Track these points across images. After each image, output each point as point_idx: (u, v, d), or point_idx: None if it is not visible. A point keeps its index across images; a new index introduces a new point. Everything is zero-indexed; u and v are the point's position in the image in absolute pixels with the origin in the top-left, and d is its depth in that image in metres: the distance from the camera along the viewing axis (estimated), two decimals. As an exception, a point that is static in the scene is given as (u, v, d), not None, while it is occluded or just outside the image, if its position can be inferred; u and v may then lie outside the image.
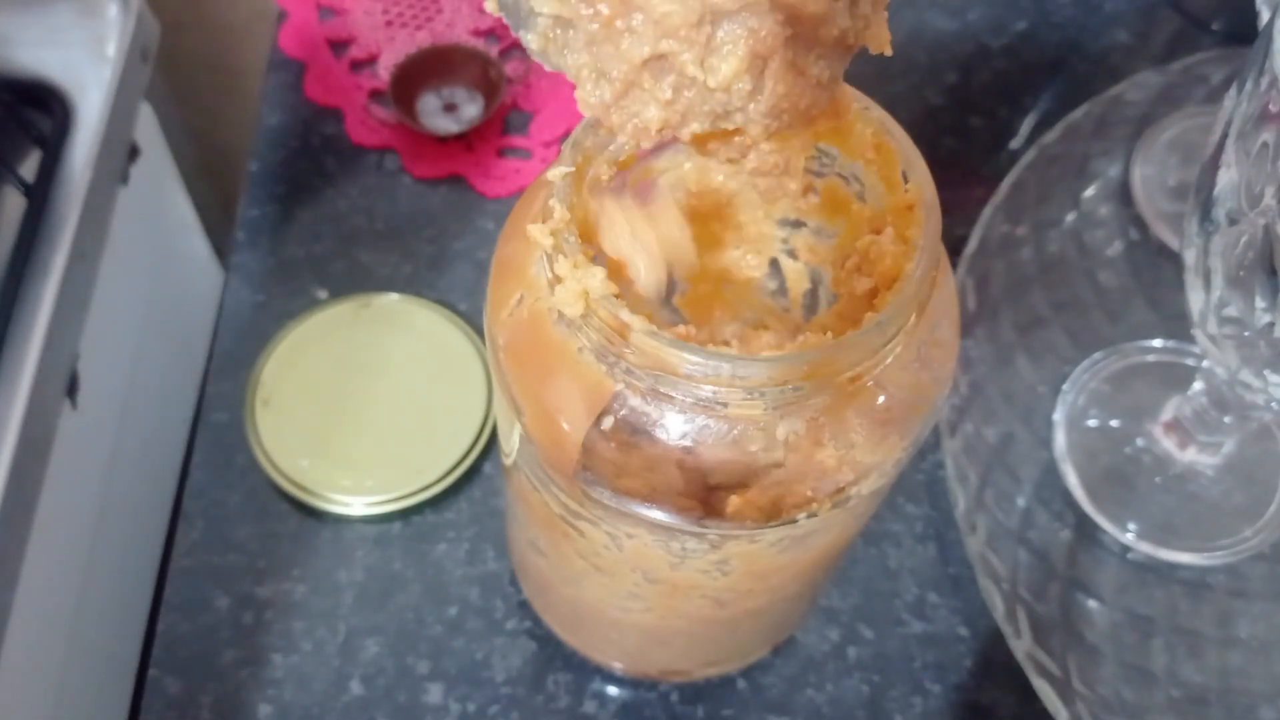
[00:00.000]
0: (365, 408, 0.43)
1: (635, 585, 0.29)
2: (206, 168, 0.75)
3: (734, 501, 0.24)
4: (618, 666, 0.39)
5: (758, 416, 0.23)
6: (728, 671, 0.39)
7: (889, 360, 0.23)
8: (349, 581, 0.41)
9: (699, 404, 0.22)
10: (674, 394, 0.22)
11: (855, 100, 0.24)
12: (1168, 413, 0.43)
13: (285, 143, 0.51)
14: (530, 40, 0.22)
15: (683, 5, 0.20)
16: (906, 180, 0.24)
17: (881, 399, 0.24)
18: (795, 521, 0.24)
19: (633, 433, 0.24)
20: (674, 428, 0.23)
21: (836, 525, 0.27)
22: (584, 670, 0.39)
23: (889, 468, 0.25)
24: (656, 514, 0.25)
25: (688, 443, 0.23)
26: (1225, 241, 0.29)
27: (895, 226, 0.24)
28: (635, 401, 0.23)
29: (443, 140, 0.50)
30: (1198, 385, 0.40)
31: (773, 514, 0.24)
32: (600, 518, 0.26)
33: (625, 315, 0.22)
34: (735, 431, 0.23)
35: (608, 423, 0.24)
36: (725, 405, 0.22)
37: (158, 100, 0.55)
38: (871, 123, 0.24)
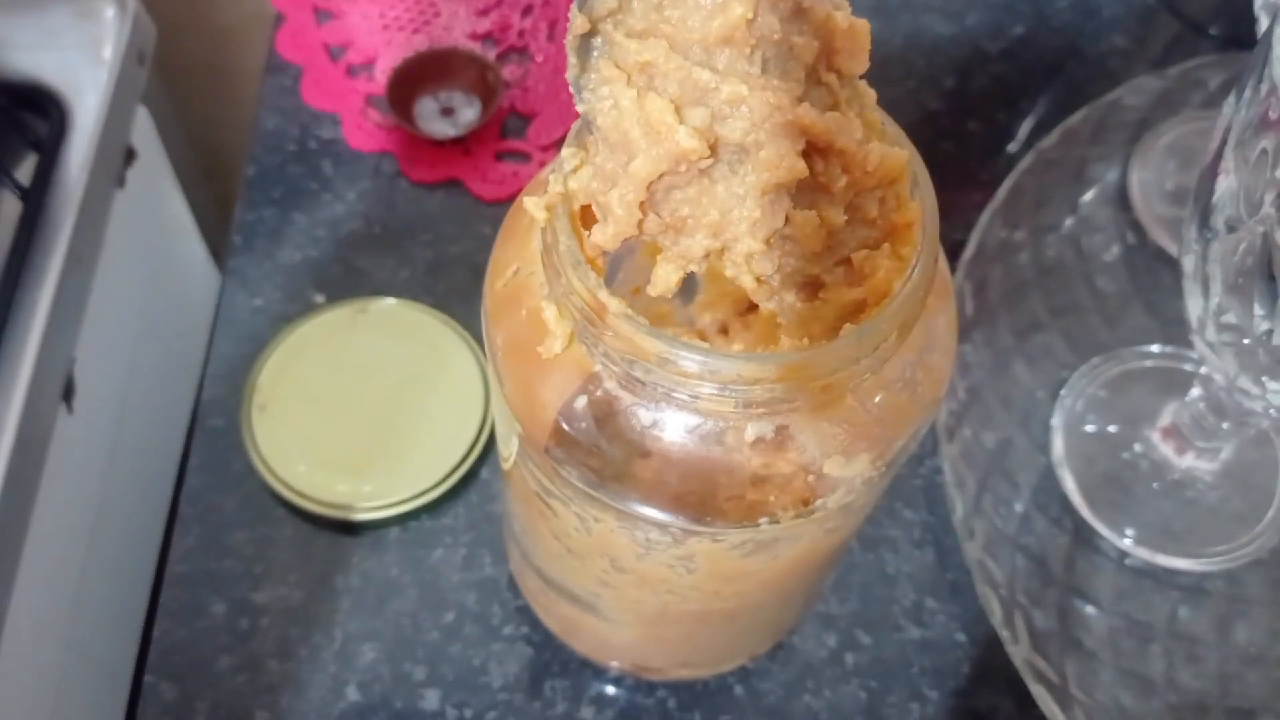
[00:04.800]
0: (362, 413, 0.43)
1: (604, 572, 0.30)
2: (203, 171, 0.75)
3: (694, 497, 0.24)
4: (615, 665, 0.39)
5: (727, 414, 0.23)
6: (702, 675, 0.39)
7: (868, 377, 0.23)
8: (345, 587, 0.41)
9: (670, 394, 0.22)
10: (646, 381, 0.22)
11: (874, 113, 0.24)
12: (1165, 418, 0.43)
13: (282, 146, 0.51)
14: None
15: None
16: (912, 197, 0.24)
17: (858, 415, 0.24)
18: (756, 525, 0.25)
19: (604, 415, 0.24)
20: (644, 415, 0.24)
21: (805, 536, 0.27)
22: (581, 676, 0.39)
23: (857, 485, 0.25)
24: (618, 501, 0.25)
25: (656, 432, 0.24)
26: (1224, 248, 0.29)
27: (893, 243, 0.23)
28: (610, 385, 0.24)
29: (440, 144, 0.50)
30: (1196, 391, 0.40)
31: (733, 514, 0.24)
32: (570, 498, 0.27)
33: (603, 295, 0.22)
34: (704, 427, 0.23)
35: (581, 402, 0.24)
36: (696, 399, 0.22)
37: (154, 103, 0.55)
38: (884, 137, 0.24)
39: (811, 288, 0.23)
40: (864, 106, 0.23)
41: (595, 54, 0.22)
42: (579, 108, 0.22)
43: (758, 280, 0.22)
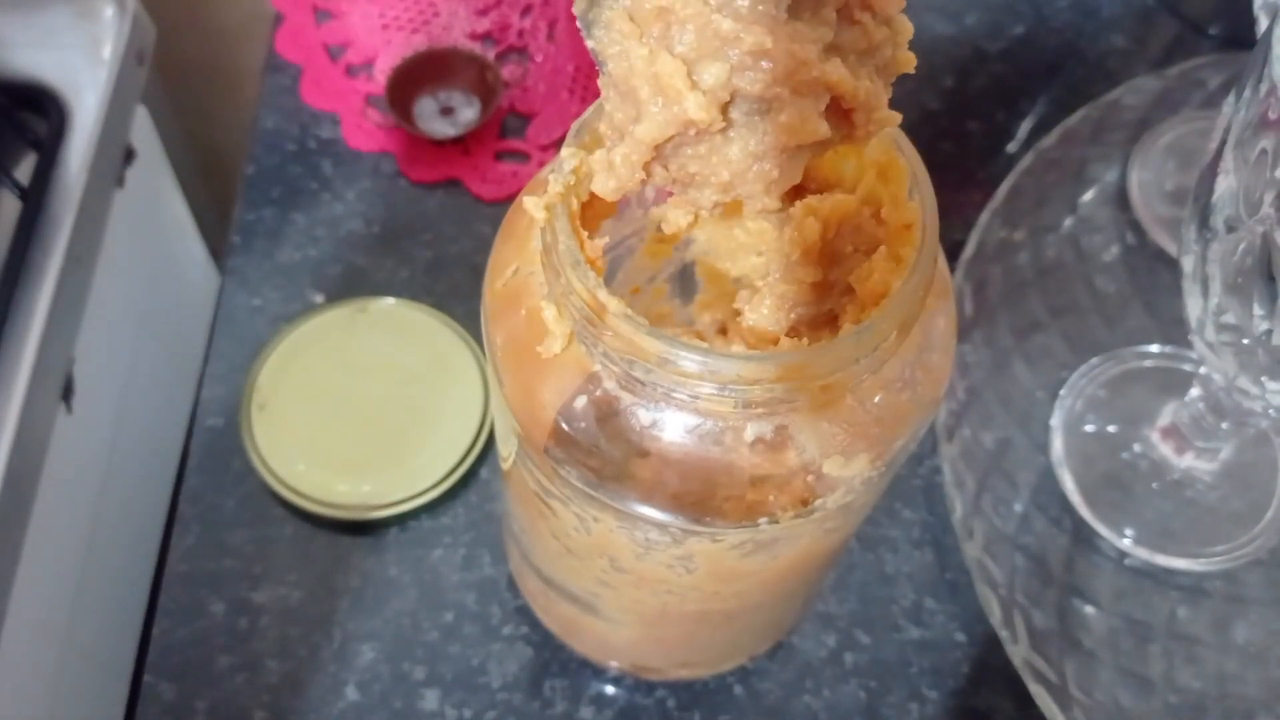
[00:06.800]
0: (361, 412, 0.43)
1: (603, 572, 0.30)
2: (202, 171, 0.75)
3: (694, 496, 0.24)
4: (614, 665, 0.39)
5: (726, 413, 0.23)
6: (701, 675, 0.39)
7: (867, 377, 0.23)
8: (345, 587, 0.41)
9: (669, 394, 0.22)
10: (646, 381, 0.22)
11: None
12: (1165, 418, 0.43)
13: (281, 146, 0.51)
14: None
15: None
16: (911, 197, 0.24)
17: (857, 415, 0.24)
18: (756, 525, 0.25)
19: (603, 415, 0.24)
20: (644, 415, 0.24)
21: (804, 536, 0.27)
22: (581, 675, 0.39)
23: (856, 485, 0.25)
24: (618, 501, 0.25)
25: (655, 432, 0.24)
26: (1223, 249, 0.29)
27: (890, 244, 0.23)
28: (610, 385, 0.24)
29: (439, 144, 0.50)
30: (1195, 391, 0.40)
31: (732, 514, 0.24)
32: (569, 498, 0.27)
33: (603, 295, 0.22)
34: (703, 427, 0.23)
35: (580, 402, 0.24)
36: (695, 399, 0.22)
37: (153, 103, 0.55)
38: (884, 137, 0.24)
39: (831, 325, 0.24)
40: (898, 45, 0.22)
41: None
42: (588, 43, 0.21)
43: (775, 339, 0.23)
